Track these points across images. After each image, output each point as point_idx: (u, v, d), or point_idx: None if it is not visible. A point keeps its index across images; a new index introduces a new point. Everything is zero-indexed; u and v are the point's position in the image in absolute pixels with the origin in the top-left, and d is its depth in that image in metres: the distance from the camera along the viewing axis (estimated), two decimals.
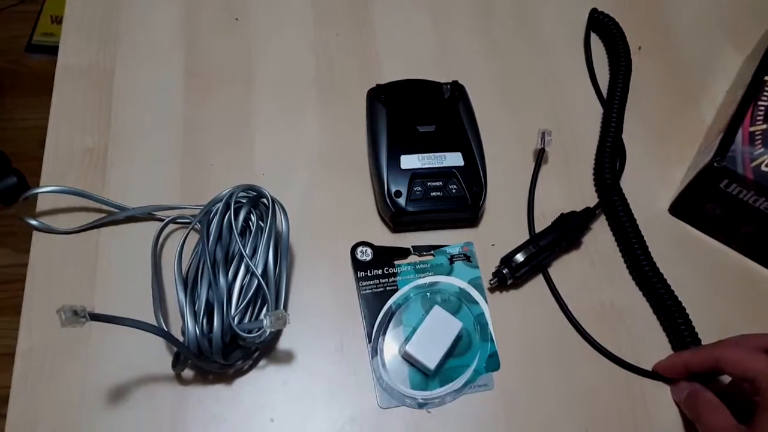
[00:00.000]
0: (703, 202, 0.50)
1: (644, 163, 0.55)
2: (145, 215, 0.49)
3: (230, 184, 0.46)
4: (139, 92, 0.55)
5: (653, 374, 0.46)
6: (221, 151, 0.53)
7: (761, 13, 0.63)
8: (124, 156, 0.52)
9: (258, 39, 0.59)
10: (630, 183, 0.54)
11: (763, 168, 0.46)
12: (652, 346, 0.47)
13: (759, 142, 0.47)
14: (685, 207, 0.52)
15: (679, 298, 0.48)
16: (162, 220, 0.48)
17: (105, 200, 0.49)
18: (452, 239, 0.51)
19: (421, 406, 0.44)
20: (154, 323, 0.43)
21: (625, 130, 0.56)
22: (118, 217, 0.49)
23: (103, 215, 0.49)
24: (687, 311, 0.47)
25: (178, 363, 0.42)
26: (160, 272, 0.47)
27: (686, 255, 0.51)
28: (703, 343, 0.46)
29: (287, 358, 0.45)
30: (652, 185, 0.54)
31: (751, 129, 0.48)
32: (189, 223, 0.49)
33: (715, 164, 0.46)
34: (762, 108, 0.49)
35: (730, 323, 0.48)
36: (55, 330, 0.44)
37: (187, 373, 0.44)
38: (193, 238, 0.46)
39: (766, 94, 0.50)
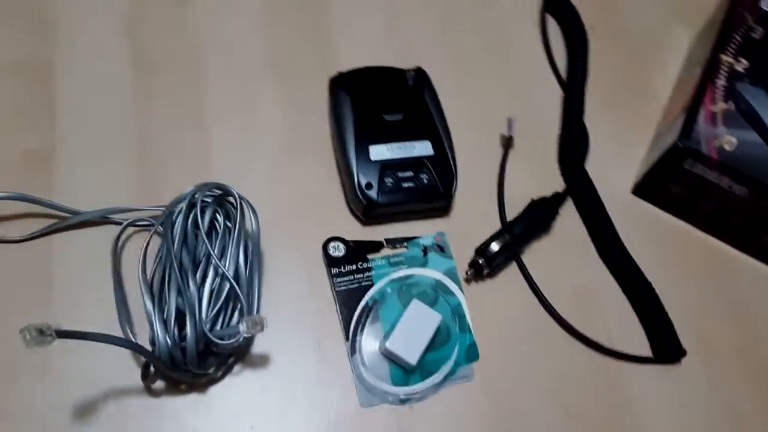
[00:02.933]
0: (666, 182, 0.51)
1: (605, 144, 0.55)
2: (101, 219, 0.46)
3: (188, 181, 0.44)
4: (82, 85, 0.52)
5: (627, 356, 0.47)
6: (177, 147, 0.51)
7: None
8: (72, 155, 0.49)
9: (205, 24, 0.56)
10: (592, 165, 0.54)
11: (725, 147, 0.47)
12: (625, 327, 0.48)
13: (720, 121, 0.48)
14: (649, 187, 0.52)
15: (648, 279, 0.49)
16: (119, 224, 0.46)
17: (56, 205, 0.46)
18: (424, 230, 0.50)
19: (403, 402, 0.44)
20: (120, 335, 0.41)
21: (588, 111, 0.57)
22: (71, 222, 0.46)
23: (55, 221, 0.46)
24: (656, 291, 0.48)
25: (148, 375, 0.40)
26: (121, 280, 0.44)
27: (652, 235, 0.52)
28: (673, 322, 0.47)
29: (263, 361, 0.44)
30: (613, 166, 0.54)
31: (713, 109, 0.49)
32: (149, 226, 0.46)
33: (680, 144, 0.47)
34: (721, 87, 0.50)
35: (699, 301, 0.49)
36: (11, 347, 0.41)
37: (159, 384, 0.42)
38: (156, 241, 0.43)
39: (723, 73, 0.51)
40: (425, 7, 0.60)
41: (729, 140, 0.47)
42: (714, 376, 0.47)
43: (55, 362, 0.42)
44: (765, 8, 0.53)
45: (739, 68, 0.51)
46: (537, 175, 0.54)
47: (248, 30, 0.56)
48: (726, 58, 0.52)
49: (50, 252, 0.45)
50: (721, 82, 0.50)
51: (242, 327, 0.38)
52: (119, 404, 0.41)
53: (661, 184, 0.51)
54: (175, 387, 0.42)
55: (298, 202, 0.50)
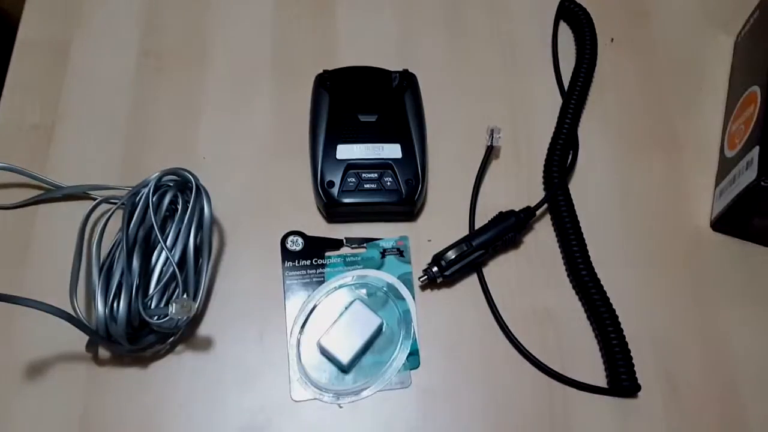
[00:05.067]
0: (750, 217, 0.47)
1: (602, 160, 0.53)
2: (81, 194, 0.50)
3: (171, 166, 0.46)
4: (92, 69, 0.55)
5: (578, 384, 0.45)
6: (167, 133, 0.53)
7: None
8: (69, 133, 0.53)
9: (217, 19, 0.58)
10: (586, 180, 0.52)
11: None
12: (581, 353, 0.46)
13: None
14: (730, 222, 0.49)
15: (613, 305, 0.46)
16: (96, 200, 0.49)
17: (41, 177, 0.49)
18: (389, 233, 0.50)
19: (335, 400, 0.44)
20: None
21: (587, 126, 0.54)
22: (54, 194, 0.49)
23: (42, 192, 0.50)
24: (620, 320, 0.46)
25: (90, 344, 0.43)
26: (90, 252, 0.47)
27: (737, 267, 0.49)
28: (632, 354, 0.45)
29: (205, 344, 0.45)
30: (609, 183, 0.52)
31: None
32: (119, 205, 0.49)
33: (762, 183, 0.43)
34: None
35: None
36: None
37: (104, 354, 0.45)
38: (119, 219, 0.46)
39: None
40: (436, 11, 0.59)
41: None
42: (672, 414, 0.44)
43: (12, 325, 0.45)
44: None
45: None
46: (520, 188, 0.52)
47: (257, 29, 0.58)
48: None
49: (33, 221, 0.49)
50: None
51: (171, 309, 0.40)
52: (65, 370, 0.44)
53: (744, 219, 0.48)
54: (120, 358, 0.44)
55: (272, 194, 0.51)
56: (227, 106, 0.54)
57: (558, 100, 0.56)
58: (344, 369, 0.44)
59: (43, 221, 0.49)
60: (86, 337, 0.43)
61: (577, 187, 0.51)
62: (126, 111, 0.54)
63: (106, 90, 0.54)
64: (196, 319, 0.46)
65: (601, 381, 0.45)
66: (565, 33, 0.59)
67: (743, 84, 0.52)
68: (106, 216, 0.46)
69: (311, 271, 0.47)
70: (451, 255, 0.47)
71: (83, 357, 0.44)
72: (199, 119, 0.54)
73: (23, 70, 0.55)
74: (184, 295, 0.42)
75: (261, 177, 0.52)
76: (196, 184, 0.45)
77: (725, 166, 0.50)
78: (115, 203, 0.49)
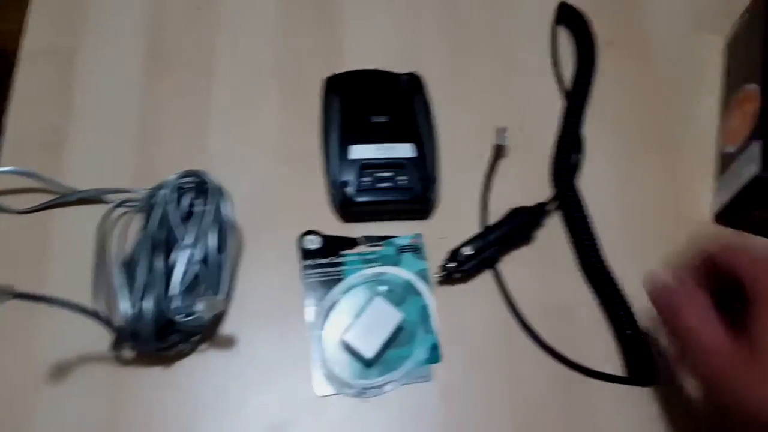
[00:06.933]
0: (751, 210, 0.49)
1: (605, 160, 0.55)
2: (96, 198, 0.50)
3: (183, 168, 0.47)
4: (100, 75, 0.55)
5: (595, 373, 0.46)
6: (177, 136, 0.53)
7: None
8: (82, 138, 0.53)
9: (220, 27, 0.58)
10: (591, 179, 0.53)
11: None
12: (597, 345, 0.47)
13: None
14: (732, 215, 0.51)
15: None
16: (112, 203, 0.49)
17: (56, 181, 0.49)
18: (403, 230, 0.51)
19: (358, 394, 0.44)
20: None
21: (589, 127, 0.56)
22: (69, 198, 0.49)
23: (56, 196, 0.50)
24: (633, 311, 0.47)
25: (115, 344, 0.43)
26: (109, 254, 0.47)
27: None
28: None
29: (228, 343, 0.46)
30: (613, 182, 0.54)
31: None
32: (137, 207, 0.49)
33: (764, 176, 0.45)
34: None
35: None
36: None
37: (129, 354, 0.45)
38: (140, 221, 0.46)
39: None
40: (439, 16, 0.60)
41: None
42: (690, 400, 0.45)
43: (39, 325, 0.45)
44: None
45: None
46: (530, 185, 0.53)
47: (262, 33, 0.58)
48: None
49: (47, 225, 0.49)
50: None
51: (199, 306, 0.40)
52: (88, 371, 0.44)
53: (745, 212, 0.49)
54: (143, 358, 0.45)
55: (286, 196, 0.51)
56: (236, 109, 0.55)
57: (559, 99, 0.57)
58: (368, 364, 0.45)
59: (58, 225, 0.49)
60: (107, 340, 0.44)
61: (581, 186, 0.53)
62: (137, 115, 0.54)
63: (115, 95, 0.55)
64: (218, 319, 0.46)
65: (619, 372, 0.46)
66: (565, 36, 0.60)
67: (739, 82, 0.54)
68: (125, 218, 0.46)
69: (329, 270, 0.48)
70: (468, 250, 0.48)
71: (106, 358, 0.44)
72: (209, 122, 0.54)
73: (32, 76, 0.55)
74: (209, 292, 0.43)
75: (272, 180, 0.52)
76: (215, 184, 0.45)
77: (725, 161, 0.52)
78: (132, 206, 0.49)
